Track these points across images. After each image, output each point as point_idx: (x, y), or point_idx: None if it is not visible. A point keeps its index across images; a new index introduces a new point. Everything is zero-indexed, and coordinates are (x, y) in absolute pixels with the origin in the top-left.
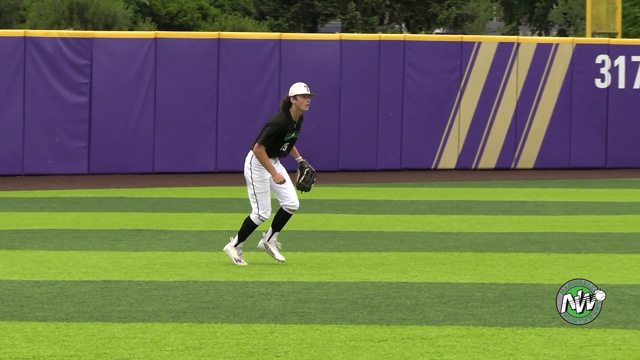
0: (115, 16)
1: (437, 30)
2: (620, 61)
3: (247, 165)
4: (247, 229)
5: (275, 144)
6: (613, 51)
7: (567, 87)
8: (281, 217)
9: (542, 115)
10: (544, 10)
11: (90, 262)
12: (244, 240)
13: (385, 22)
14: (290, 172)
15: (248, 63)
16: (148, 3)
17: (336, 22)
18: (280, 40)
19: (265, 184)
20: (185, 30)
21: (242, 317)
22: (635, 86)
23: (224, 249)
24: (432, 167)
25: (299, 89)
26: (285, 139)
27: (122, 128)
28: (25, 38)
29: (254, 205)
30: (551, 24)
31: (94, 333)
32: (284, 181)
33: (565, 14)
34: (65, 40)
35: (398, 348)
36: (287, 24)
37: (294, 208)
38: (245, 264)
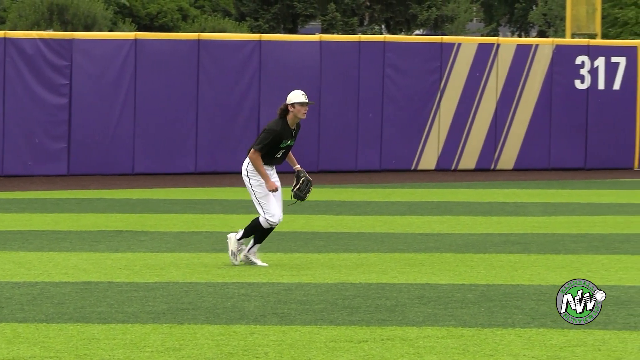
0: (95, 17)
1: (417, 32)
2: (600, 62)
3: (244, 172)
4: (253, 228)
5: (271, 150)
6: (593, 52)
7: (546, 88)
8: (258, 229)
9: (522, 116)
10: (523, 12)
11: (70, 264)
12: (247, 237)
13: (365, 23)
14: (284, 174)
15: (228, 64)
16: (128, 4)
17: (316, 23)
18: (260, 42)
19: (265, 187)
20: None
21: (222, 318)
22: (615, 87)
23: (227, 236)
24: (412, 168)
25: (297, 96)
26: (281, 145)
27: (102, 129)
28: (4, 39)
29: (259, 211)
30: (531, 25)
31: (74, 334)
32: (276, 189)
33: (545, 15)
34: (45, 41)
35: (378, 349)
36: (267, 25)
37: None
38: (237, 263)
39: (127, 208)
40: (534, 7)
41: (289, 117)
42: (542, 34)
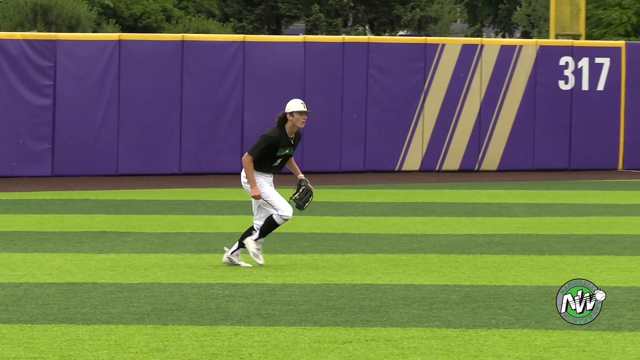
0: (79, 18)
1: (401, 32)
2: (584, 63)
3: (243, 180)
4: (269, 227)
5: (267, 158)
6: (577, 53)
7: (530, 89)
8: (247, 232)
9: (506, 117)
10: (507, 12)
11: (55, 264)
12: (264, 236)
13: (349, 24)
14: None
15: (212, 65)
16: (112, 5)
17: (300, 24)
18: (244, 42)
19: (267, 185)
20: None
21: (207, 319)
22: (599, 88)
23: (244, 241)
24: (396, 169)
25: (295, 105)
26: (278, 154)
27: (86, 130)
28: None
29: (270, 210)
30: (515, 25)
31: (58, 335)
32: (258, 197)
33: (528, 15)
34: (29, 42)
35: (362, 350)
36: (251, 26)
37: (255, 225)
38: (262, 262)
39: (112, 209)
40: (518, 8)
41: (288, 126)
42: (526, 35)
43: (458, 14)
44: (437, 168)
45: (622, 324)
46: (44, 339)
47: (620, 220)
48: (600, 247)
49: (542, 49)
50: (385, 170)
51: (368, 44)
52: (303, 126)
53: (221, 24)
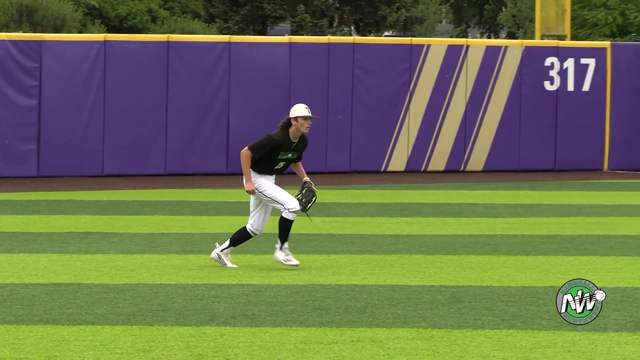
0: (64, 19)
1: (387, 33)
2: (570, 64)
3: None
4: (284, 228)
5: (269, 160)
6: (562, 54)
7: (516, 90)
8: (241, 234)
9: (492, 118)
10: (493, 13)
11: (40, 265)
12: (286, 240)
13: (334, 25)
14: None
15: (197, 65)
16: (97, 5)
17: (285, 25)
18: (229, 43)
19: (269, 183)
20: (134, 33)
21: (192, 320)
22: (584, 89)
23: (274, 257)
24: (382, 169)
25: (300, 110)
26: (280, 157)
27: (72, 131)
28: None
29: (278, 207)
30: (500, 26)
31: (44, 336)
32: (252, 192)
33: (514, 16)
34: (14, 43)
35: (348, 350)
36: (236, 27)
37: (252, 226)
38: (297, 262)
39: (97, 209)
40: (503, 9)
41: (291, 130)
42: (511, 36)
43: (443, 14)
44: (422, 169)
45: (608, 325)
46: (29, 339)
47: (606, 221)
48: (586, 248)
49: (528, 50)
50: (370, 171)
51: (354, 44)
52: (307, 131)
53: (207, 24)
